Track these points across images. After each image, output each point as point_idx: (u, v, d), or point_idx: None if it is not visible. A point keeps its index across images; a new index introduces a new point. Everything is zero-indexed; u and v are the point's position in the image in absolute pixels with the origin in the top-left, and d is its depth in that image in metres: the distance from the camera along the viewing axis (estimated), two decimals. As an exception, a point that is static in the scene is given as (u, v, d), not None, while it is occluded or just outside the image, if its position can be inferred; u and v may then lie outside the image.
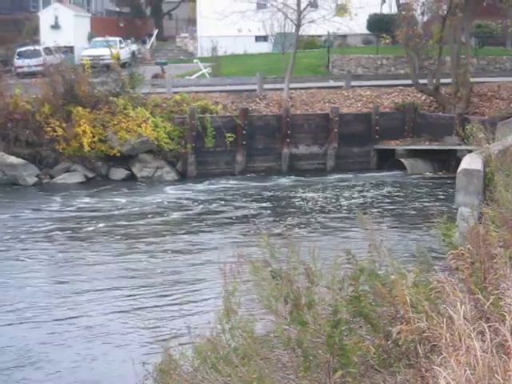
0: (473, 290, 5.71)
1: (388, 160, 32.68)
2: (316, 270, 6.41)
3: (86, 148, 29.73)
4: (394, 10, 41.87)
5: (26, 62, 41.52)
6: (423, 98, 35.22)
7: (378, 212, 24.98)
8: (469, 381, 4.44)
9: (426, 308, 5.59)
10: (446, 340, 4.97)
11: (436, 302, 5.71)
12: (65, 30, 47.59)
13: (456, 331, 4.94)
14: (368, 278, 6.21)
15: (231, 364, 6.09)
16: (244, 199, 27.46)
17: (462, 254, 6.12)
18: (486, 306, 5.35)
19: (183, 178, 31.09)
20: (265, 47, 48.69)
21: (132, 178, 30.69)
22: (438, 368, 4.59)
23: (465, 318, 5.01)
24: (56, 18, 48.18)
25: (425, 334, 5.39)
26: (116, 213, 25.33)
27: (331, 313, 5.75)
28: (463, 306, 5.12)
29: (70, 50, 44.20)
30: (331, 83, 38.13)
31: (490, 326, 4.94)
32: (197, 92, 33.48)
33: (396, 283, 6.02)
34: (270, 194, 28.48)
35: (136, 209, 25.97)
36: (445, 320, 5.17)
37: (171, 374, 6.51)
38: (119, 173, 30.81)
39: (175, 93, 33.09)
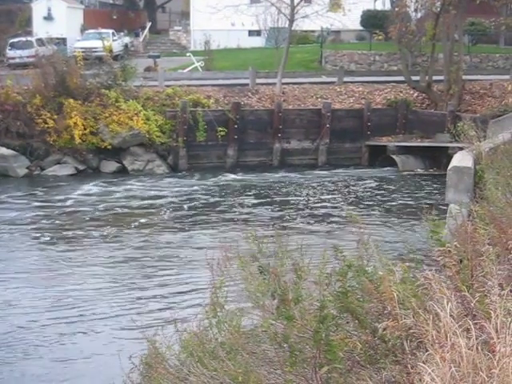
0: (459, 288, 5.72)
1: (379, 156, 32.72)
2: (304, 265, 6.40)
3: (77, 140, 29.65)
4: (388, 7, 41.99)
5: (18, 53, 41.36)
6: (415, 94, 35.26)
7: (368, 208, 25.03)
8: (453, 378, 4.44)
9: (413, 304, 5.59)
10: (432, 337, 4.97)
11: (423, 299, 5.71)
12: (57, 21, 47.48)
13: (442, 328, 4.94)
14: (356, 273, 6.21)
15: (217, 358, 6.09)
16: (234, 193, 27.42)
17: (449, 251, 6.12)
18: (472, 304, 5.35)
19: (174, 171, 31.05)
20: (258, 42, 48.66)
21: (123, 170, 30.64)
22: (423, 365, 4.59)
23: (451, 315, 5.01)
24: (49, 9, 48.07)
25: (411, 331, 5.39)
26: (104, 205, 25.25)
27: (318, 308, 5.74)
28: (449, 303, 5.12)
29: (62, 41, 44.01)
30: (324, 79, 38.13)
31: (475, 324, 4.94)
32: (189, 85, 33.40)
33: (383, 279, 6.01)
34: (261, 188, 28.45)
35: (126, 202, 25.91)
36: (431, 317, 5.16)
37: (157, 367, 6.51)
38: (110, 165, 30.76)
39: (167, 86, 33.03)
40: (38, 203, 25.50)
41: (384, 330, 5.56)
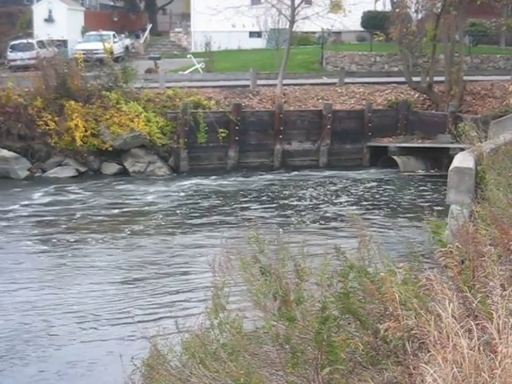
0: (461, 288, 5.72)
1: (380, 157, 32.71)
2: (305, 266, 6.40)
3: (79, 142, 29.65)
4: (388, 8, 41.87)
5: (19, 55, 41.44)
6: (416, 95, 35.24)
7: (370, 209, 25.01)
8: (455, 378, 4.44)
9: (415, 305, 5.59)
10: (433, 337, 4.97)
11: (425, 300, 5.71)
12: (58, 23, 47.49)
13: (444, 329, 4.94)
14: (357, 274, 6.21)
15: (219, 360, 6.08)
16: (235, 195, 27.42)
17: (451, 251, 6.12)
18: (474, 304, 5.35)
19: (175, 173, 31.05)
20: (259, 43, 48.65)
21: (124, 172, 30.64)
22: (425, 365, 4.58)
23: (453, 316, 5.01)
24: (50, 11, 48.07)
25: (413, 332, 5.39)
26: (106, 207, 25.26)
27: (320, 309, 5.74)
28: (451, 304, 5.12)
29: (63, 43, 44.09)
30: (325, 80, 38.12)
31: (477, 324, 4.94)
32: (190, 87, 33.39)
33: (385, 280, 6.01)
34: (262, 190, 28.45)
35: (127, 204, 25.92)
36: (433, 318, 5.17)
37: (159, 369, 6.50)
38: (111, 167, 30.76)
39: (168, 88, 33.02)
40: (40, 205, 25.49)
41: (386, 330, 5.56)
